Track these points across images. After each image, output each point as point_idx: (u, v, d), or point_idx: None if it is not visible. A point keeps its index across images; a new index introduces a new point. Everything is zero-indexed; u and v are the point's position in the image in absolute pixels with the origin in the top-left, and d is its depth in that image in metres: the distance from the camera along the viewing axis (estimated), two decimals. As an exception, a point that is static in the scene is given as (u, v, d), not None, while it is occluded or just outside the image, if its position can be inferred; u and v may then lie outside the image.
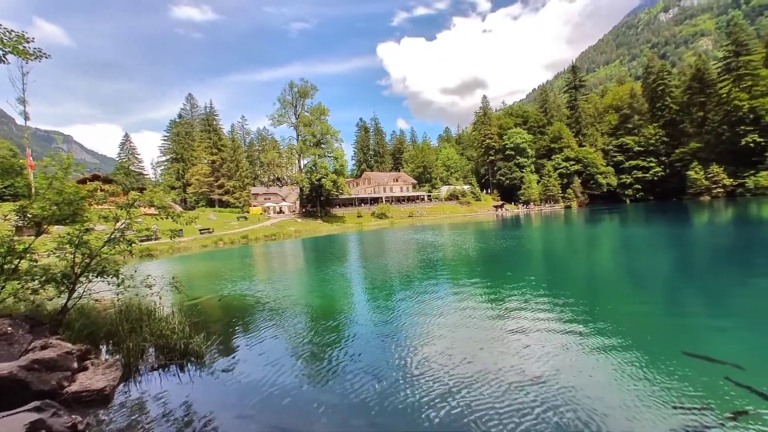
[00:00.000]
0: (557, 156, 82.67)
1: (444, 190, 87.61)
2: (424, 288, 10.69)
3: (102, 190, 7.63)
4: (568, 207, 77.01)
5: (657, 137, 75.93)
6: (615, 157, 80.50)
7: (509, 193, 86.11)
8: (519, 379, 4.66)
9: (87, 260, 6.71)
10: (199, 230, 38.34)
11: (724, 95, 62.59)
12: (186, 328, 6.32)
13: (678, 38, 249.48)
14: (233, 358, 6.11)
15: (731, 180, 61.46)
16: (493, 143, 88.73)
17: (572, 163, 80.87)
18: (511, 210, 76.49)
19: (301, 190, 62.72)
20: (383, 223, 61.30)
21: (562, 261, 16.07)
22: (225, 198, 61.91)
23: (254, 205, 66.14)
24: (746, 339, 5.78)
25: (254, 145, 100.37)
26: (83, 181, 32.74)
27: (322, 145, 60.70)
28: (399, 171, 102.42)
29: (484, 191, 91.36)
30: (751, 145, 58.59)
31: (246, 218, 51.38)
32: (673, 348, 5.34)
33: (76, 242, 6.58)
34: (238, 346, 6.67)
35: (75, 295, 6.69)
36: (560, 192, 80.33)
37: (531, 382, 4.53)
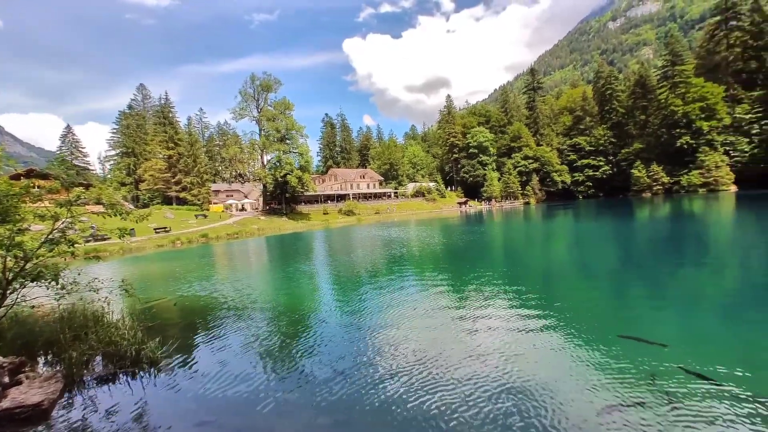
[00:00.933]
0: (517, 155, 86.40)
1: (410, 187, 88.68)
2: (391, 284, 10.79)
3: (38, 187, 6.96)
4: (527, 203, 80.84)
5: (606, 138, 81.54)
6: (569, 156, 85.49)
7: (473, 190, 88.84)
8: (480, 369, 4.85)
9: (21, 264, 6.10)
10: (154, 229, 36.14)
11: (663, 101, 68.34)
12: (138, 333, 5.95)
13: (624, 46, 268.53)
14: (192, 362, 5.84)
15: (669, 178, 67.39)
16: (457, 141, 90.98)
17: (531, 161, 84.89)
18: (474, 206, 79.00)
19: (264, 186, 60.88)
20: (350, 220, 61.04)
21: (519, 254, 16.88)
22: (183, 195, 58.69)
23: (215, 203, 63.31)
24: (674, 321, 6.41)
25: (214, 139, 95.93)
26: (16, 177, 29.63)
27: (287, 141, 59.22)
28: (366, 168, 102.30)
29: (449, 188, 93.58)
30: (685, 146, 64.53)
31: (206, 216, 49.09)
32: (611, 331, 5.82)
33: (8, 244, 5.95)
34: (198, 350, 6.38)
35: (7, 302, 6.07)
36: (520, 189, 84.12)
37: (490, 371, 4.74)
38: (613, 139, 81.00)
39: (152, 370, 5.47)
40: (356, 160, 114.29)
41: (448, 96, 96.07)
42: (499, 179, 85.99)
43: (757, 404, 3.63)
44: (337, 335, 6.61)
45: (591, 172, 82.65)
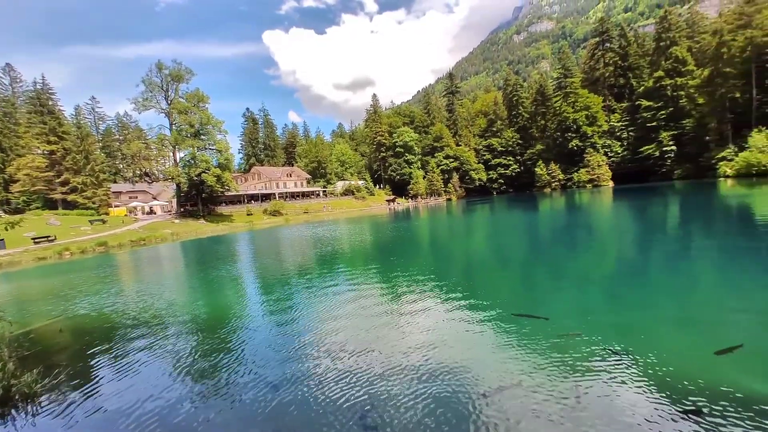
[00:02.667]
0: (439, 154, 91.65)
1: (339, 186, 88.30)
2: (321, 284, 10.73)
3: None
4: (449, 199, 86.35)
5: (514, 140, 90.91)
6: (484, 155, 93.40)
7: (400, 188, 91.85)
8: (407, 360, 5.14)
9: None
10: (33, 239, 30.43)
11: (557, 108, 78.59)
12: (9, 365, 5.04)
13: (527, 58, 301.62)
14: (84, 392, 5.10)
15: (564, 175, 77.91)
16: (384, 140, 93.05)
17: (451, 160, 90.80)
18: (402, 204, 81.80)
19: (178, 186, 55.12)
20: (277, 220, 58.59)
21: (442, 246, 18.06)
22: (72, 198, 50.18)
23: (116, 206, 55.51)
24: (558, 297, 7.56)
25: (112, 133, 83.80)
26: None
27: (202, 137, 54.37)
28: (292, 166, 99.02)
29: (378, 186, 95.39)
30: (575, 148, 75.23)
31: (104, 222, 42.76)
32: (508, 310, 6.66)
33: None
34: (93, 377, 5.60)
35: None
36: (443, 186, 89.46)
37: (416, 361, 5.06)
38: (520, 141, 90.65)
39: (29, 407, 4.68)
40: (282, 157, 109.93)
41: (374, 95, 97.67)
42: (424, 177, 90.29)
43: (618, 355, 4.50)
44: (265, 342, 6.36)
45: (503, 171, 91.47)
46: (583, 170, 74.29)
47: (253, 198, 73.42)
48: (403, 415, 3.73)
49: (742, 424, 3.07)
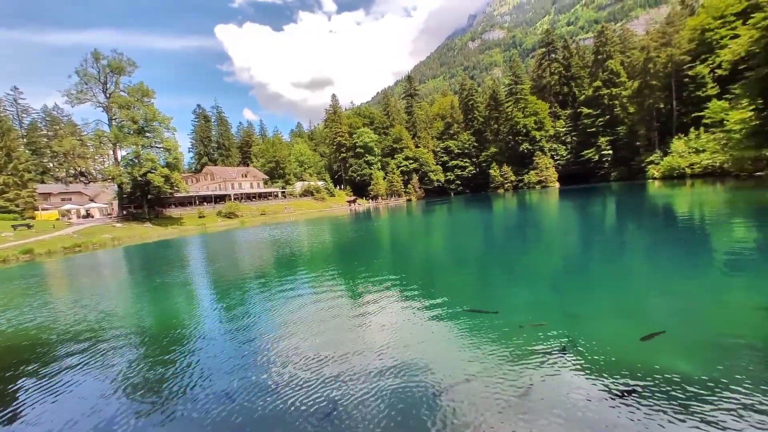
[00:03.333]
0: (399, 155, 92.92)
1: (298, 186, 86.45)
2: (279, 287, 10.46)
3: None
4: (409, 200, 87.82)
5: (470, 143, 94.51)
6: (442, 157, 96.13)
7: (361, 189, 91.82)
8: (369, 360, 5.18)
9: None
10: (-61, 248, 26.58)
11: (509, 113, 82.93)
12: None
13: (481, 64, 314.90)
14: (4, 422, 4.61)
15: (515, 177, 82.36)
16: (344, 141, 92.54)
17: (411, 162, 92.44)
18: (363, 204, 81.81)
19: (119, 187, 50.84)
20: (232, 222, 56.10)
21: (402, 246, 18.36)
22: (-12, 200, 44.44)
23: (44, 209, 49.96)
24: (507, 292, 8.04)
25: (39, 128, 75.38)
26: None
27: (148, 134, 50.59)
28: (248, 166, 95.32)
29: (338, 187, 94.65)
30: (525, 151, 79.83)
31: (30, 226, 38.36)
32: (461, 306, 6.97)
33: None
34: (9, 403, 5.05)
35: None
36: (403, 187, 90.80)
37: (377, 361, 5.12)
38: (475, 144, 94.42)
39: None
40: (237, 157, 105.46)
41: (334, 95, 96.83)
42: (384, 178, 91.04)
43: (559, 344, 4.88)
44: (218, 351, 6.01)
45: (460, 172, 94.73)
46: (532, 172, 79.03)
47: (205, 199, 69.69)
48: (364, 415, 3.78)
49: (668, 401, 3.48)
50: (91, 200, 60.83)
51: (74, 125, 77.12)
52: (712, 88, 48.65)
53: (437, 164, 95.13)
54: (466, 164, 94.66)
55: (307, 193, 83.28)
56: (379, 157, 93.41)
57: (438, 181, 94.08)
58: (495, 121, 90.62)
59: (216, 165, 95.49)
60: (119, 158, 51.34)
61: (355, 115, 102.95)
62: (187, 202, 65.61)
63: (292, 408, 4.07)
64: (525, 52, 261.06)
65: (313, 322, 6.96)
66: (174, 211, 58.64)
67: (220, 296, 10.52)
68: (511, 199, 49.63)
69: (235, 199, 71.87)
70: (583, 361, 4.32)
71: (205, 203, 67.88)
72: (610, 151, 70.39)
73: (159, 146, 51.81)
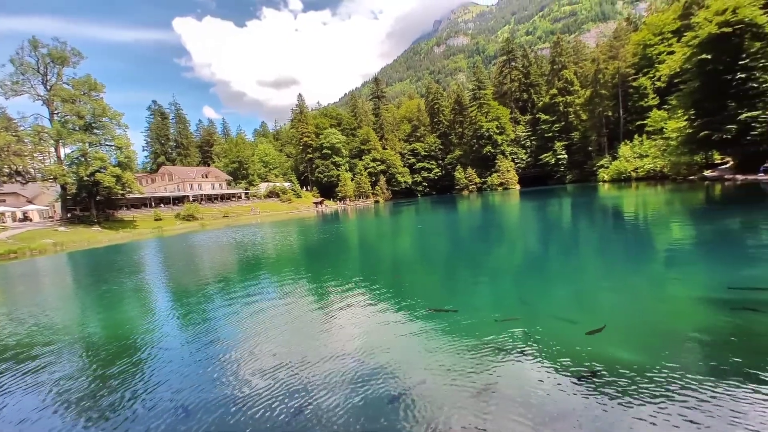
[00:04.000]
0: (366, 157, 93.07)
1: (263, 187, 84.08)
2: (242, 291, 10.13)
3: None
4: (376, 201, 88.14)
5: (436, 145, 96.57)
6: (409, 159, 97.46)
7: (328, 190, 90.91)
8: (335, 364, 5.15)
9: None
10: None
11: (473, 117, 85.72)
12: None
13: (446, 69, 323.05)
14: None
15: (479, 179, 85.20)
16: (310, 142, 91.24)
17: (378, 163, 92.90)
18: (330, 206, 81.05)
19: (63, 188, 46.84)
20: (192, 225, 53.50)
21: (369, 247, 18.44)
22: None
23: (-29, 212, 44.97)
24: (467, 291, 8.34)
25: (-35, 122, 67.62)
26: None
27: (96, 131, 47.04)
28: (209, 166, 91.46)
29: (305, 188, 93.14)
30: (488, 155, 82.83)
31: (-47, 231, 34.37)
32: (424, 306, 7.15)
33: None
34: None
35: None
36: (370, 188, 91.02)
37: (342, 364, 5.12)
38: (441, 147, 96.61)
39: None
40: (197, 157, 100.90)
41: (300, 95, 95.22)
42: (352, 179, 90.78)
43: (515, 339, 5.14)
44: (177, 359, 5.64)
45: (426, 174, 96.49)
46: (495, 174, 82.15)
47: (162, 201, 65.97)
48: (328, 419, 3.78)
49: (612, 387, 3.77)
50: (30, 202, 55.58)
51: (9, 119, 70.04)
52: (653, 98, 53.14)
53: (404, 166, 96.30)
54: (433, 166, 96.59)
55: (272, 194, 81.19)
56: (347, 159, 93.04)
57: (405, 182, 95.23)
58: (460, 124, 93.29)
59: (174, 165, 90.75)
60: (62, 156, 47.31)
61: (322, 116, 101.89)
62: (141, 203, 61.77)
63: (253, 415, 3.98)
64: (488, 58, 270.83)
65: (275, 327, 6.83)
66: (127, 214, 54.95)
67: (176, 303, 10.02)
68: (475, 200, 51.29)
69: (195, 200, 68.63)
70: (538, 354, 4.59)
71: (162, 205, 64.24)
72: (566, 155, 74.79)
73: (109, 144, 48.36)
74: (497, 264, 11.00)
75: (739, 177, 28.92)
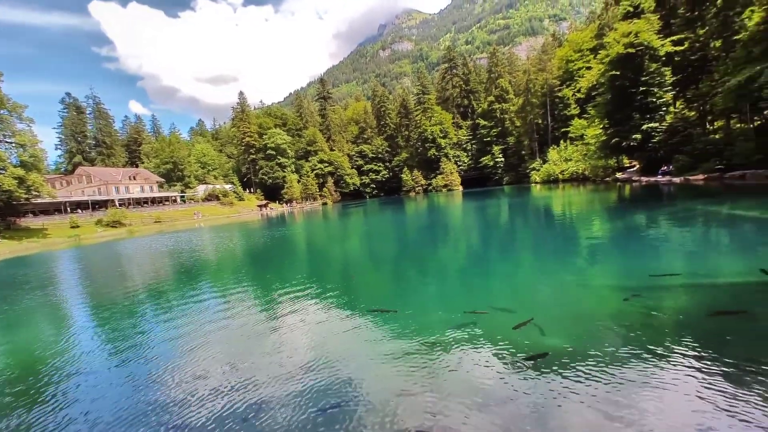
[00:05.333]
0: (313, 158, 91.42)
1: (201, 190, 78.65)
2: (179, 301, 9.37)
3: None
4: (324, 204, 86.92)
5: (383, 147, 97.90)
6: (357, 161, 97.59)
7: (273, 192, 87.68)
8: (285, 371, 5.01)
9: None
10: None
11: (418, 121, 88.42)
12: None
13: (392, 73, 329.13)
14: None
15: (425, 180, 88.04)
16: (253, 142, 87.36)
17: (326, 165, 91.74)
18: (275, 209, 78.17)
19: (-55, 192, 39.44)
20: (117, 232, 48.25)
21: (316, 251, 18.14)
22: None
23: None
24: (409, 291, 8.64)
25: None
26: None
27: (-9, 125, 40.44)
28: (137, 167, 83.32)
29: (248, 190, 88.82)
30: (433, 157, 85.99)
31: None
32: (365, 306, 7.27)
33: None
34: None
35: None
36: (318, 191, 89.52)
37: (294, 370, 4.98)
38: (388, 149, 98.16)
39: None
40: (123, 156, 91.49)
41: (241, 93, 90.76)
42: (299, 181, 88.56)
43: (455, 334, 5.43)
44: (104, 383, 5.02)
45: (374, 176, 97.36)
46: (439, 176, 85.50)
47: (80, 206, 58.75)
48: (282, 426, 3.69)
49: (541, 373, 4.16)
50: None
51: None
52: (574, 108, 59.13)
53: (352, 168, 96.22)
54: (380, 168, 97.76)
55: (211, 197, 76.24)
56: (293, 160, 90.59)
57: (354, 184, 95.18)
58: (406, 128, 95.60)
59: (94, 165, 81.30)
60: (-54, 155, 39.90)
61: (265, 115, 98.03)
62: (53, 209, 54.37)
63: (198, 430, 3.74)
64: (431, 65, 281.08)
65: (216, 339, 6.45)
66: (34, 221, 47.93)
67: (97, 320, 8.98)
68: (421, 201, 52.91)
69: (121, 205, 62.04)
70: (474, 349, 4.88)
71: (80, 210, 57.19)
72: (503, 159, 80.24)
73: (10, 141, 41.86)
74: (439, 263, 11.47)
75: (644, 179, 33.35)
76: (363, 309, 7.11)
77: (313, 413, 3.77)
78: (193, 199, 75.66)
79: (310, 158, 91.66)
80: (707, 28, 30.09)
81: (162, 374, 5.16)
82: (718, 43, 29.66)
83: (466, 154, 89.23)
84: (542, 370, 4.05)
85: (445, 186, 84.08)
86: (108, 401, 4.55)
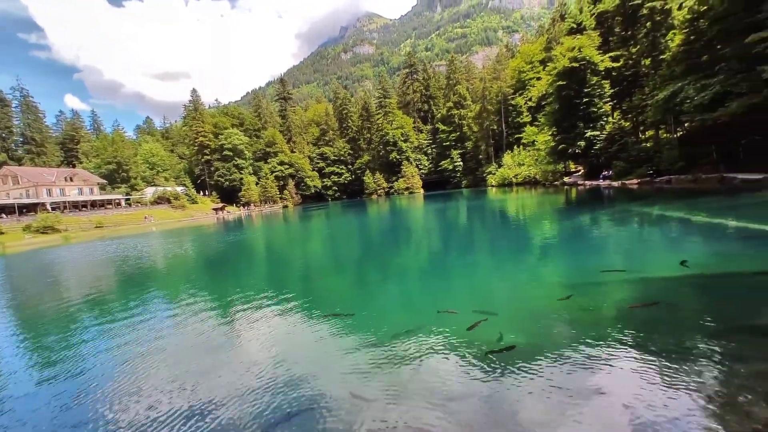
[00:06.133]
0: (273, 160, 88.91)
1: (150, 192, 73.51)
2: (123, 314, 8.63)
3: None
4: (285, 206, 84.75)
5: (345, 150, 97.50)
6: (318, 163, 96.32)
7: (230, 195, 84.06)
8: (242, 380, 4.79)
9: None
10: None
11: (380, 124, 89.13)
12: None
13: (353, 76, 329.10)
14: None
15: (387, 184, 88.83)
16: (208, 142, 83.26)
17: (286, 167, 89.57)
18: (232, 212, 74.96)
19: None
20: (50, 239, 43.69)
21: (274, 255, 17.63)
22: None
23: None
24: (364, 295, 8.71)
25: None
26: None
27: None
28: (74, 167, 76.19)
29: (202, 193, 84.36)
30: (394, 160, 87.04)
31: None
32: (321, 311, 7.20)
33: None
34: None
35: None
36: (278, 193, 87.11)
37: (254, 379, 4.79)
38: (350, 151, 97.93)
39: None
40: (57, 155, 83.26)
41: (195, 90, 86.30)
42: (257, 183, 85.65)
43: (415, 337, 5.53)
44: (40, 407, 4.60)
45: (336, 178, 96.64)
46: (401, 179, 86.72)
47: (4, 210, 52.51)
48: None
49: (492, 369, 4.35)
50: None
51: None
52: (526, 116, 62.69)
53: (314, 170, 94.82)
54: (342, 171, 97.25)
55: (162, 200, 71.48)
56: (251, 161, 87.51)
57: (315, 187, 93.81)
58: (368, 130, 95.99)
59: (22, 165, 73.11)
60: None
61: (221, 115, 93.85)
62: (-31, 214, 48.13)
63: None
64: (392, 69, 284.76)
65: (161, 350, 6.05)
66: (-55, 228, 42.11)
67: (24, 336, 8.07)
68: (383, 204, 53.30)
69: (54, 208, 56.35)
70: (430, 350, 5.02)
71: (5, 215, 51.14)
72: (461, 163, 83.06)
73: None
74: (398, 265, 11.64)
75: (587, 183, 36.10)
76: (321, 314, 7.02)
77: (270, 423, 3.67)
78: (140, 203, 70.44)
79: (269, 160, 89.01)
80: (639, 47, 33.32)
81: (95, 393, 4.72)
82: (647, 61, 32.94)
83: (426, 157, 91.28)
84: (495, 366, 4.26)
85: (407, 189, 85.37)
86: (30, 426, 4.12)
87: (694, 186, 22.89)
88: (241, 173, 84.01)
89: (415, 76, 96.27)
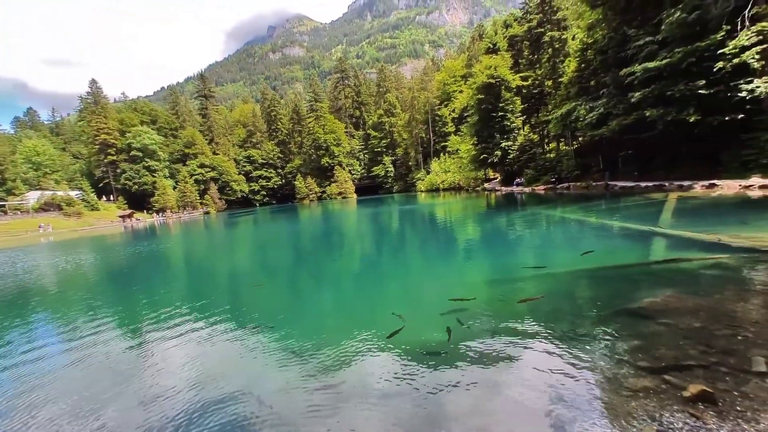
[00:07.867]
0: (192, 162, 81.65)
1: (34, 198, 62.14)
2: (19, 338, 7.12)
3: None
4: (207, 213, 78.22)
5: (274, 153, 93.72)
6: (245, 166, 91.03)
7: (140, 200, 74.90)
8: (171, 400, 4.27)
9: None
10: None
11: (311, 128, 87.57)
12: None
13: (283, 77, 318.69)
14: None
15: (319, 188, 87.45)
16: (112, 140, 73.28)
17: (208, 170, 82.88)
18: (143, 220, 66.88)
19: None
20: None
21: (191, 267, 16.15)
22: None
23: None
24: (289, 307, 8.54)
25: None
26: None
27: None
28: None
29: (105, 198, 73.76)
30: (326, 165, 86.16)
31: None
32: (250, 323, 6.93)
33: None
34: None
35: None
36: (198, 198, 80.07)
37: (175, 395, 4.29)
38: (280, 155, 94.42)
39: None
40: None
41: (94, 81, 75.45)
42: (174, 188, 77.77)
43: (353, 342, 5.54)
44: None
45: (265, 183, 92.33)
46: (333, 184, 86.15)
47: None
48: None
49: (419, 370, 4.55)
50: None
51: None
52: (451, 126, 67.03)
53: (240, 174, 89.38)
54: (272, 175, 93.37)
55: (50, 206, 60.82)
56: (166, 164, 79.23)
57: (242, 191, 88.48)
58: (299, 134, 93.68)
59: None
60: None
61: (129, 110, 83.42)
62: None
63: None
64: (323, 73, 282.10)
65: (57, 382, 5.19)
66: None
67: None
68: (315, 209, 52.33)
69: None
70: (357, 357, 5.09)
71: None
72: (393, 168, 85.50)
73: None
74: (326, 272, 11.56)
75: (504, 189, 39.83)
76: (242, 327, 6.64)
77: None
78: (20, 210, 59.04)
79: (188, 162, 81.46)
80: (542, 69, 37.98)
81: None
82: (549, 83, 37.70)
83: (359, 163, 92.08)
84: (420, 368, 4.48)
85: (340, 194, 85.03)
86: None
87: (587, 191, 26.77)
88: (153, 176, 75.33)
89: (346, 81, 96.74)
